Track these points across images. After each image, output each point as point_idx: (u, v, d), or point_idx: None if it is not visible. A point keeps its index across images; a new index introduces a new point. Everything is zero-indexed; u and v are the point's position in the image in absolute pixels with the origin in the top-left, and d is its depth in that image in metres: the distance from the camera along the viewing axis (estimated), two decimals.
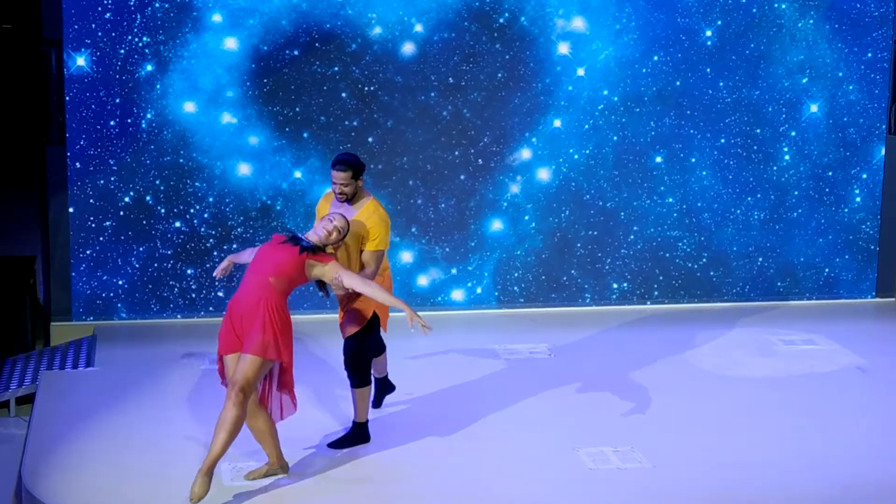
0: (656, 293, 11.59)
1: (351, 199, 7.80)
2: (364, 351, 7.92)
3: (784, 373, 9.71)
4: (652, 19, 11.19)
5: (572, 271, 11.44)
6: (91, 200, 10.62)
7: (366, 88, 10.91)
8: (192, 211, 10.77)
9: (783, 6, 11.36)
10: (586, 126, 11.25)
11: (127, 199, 10.67)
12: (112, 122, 10.56)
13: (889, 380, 9.57)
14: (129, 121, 10.58)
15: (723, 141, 11.48)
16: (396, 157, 11.04)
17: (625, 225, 11.44)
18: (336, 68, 10.84)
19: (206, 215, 10.80)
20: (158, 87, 10.57)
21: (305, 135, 10.87)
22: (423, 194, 11.07)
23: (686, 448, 8.08)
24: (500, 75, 11.08)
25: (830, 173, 11.71)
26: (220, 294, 10.86)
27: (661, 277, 11.57)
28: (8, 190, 14.49)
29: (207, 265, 10.80)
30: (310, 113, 10.85)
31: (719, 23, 11.30)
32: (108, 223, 10.68)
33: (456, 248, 11.24)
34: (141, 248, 10.74)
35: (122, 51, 10.49)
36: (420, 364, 9.63)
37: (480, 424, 8.45)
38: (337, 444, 7.98)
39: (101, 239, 10.67)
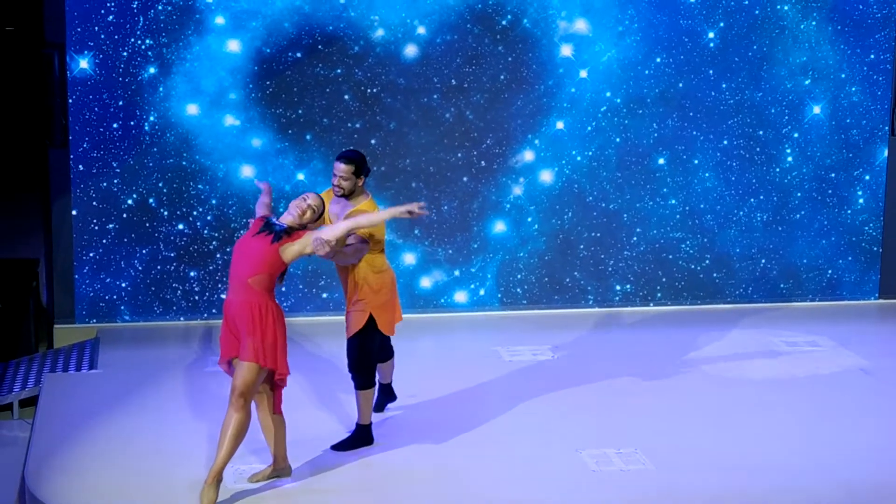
0: (659, 295, 11.58)
1: (349, 196, 7.82)
2: (367, 351, 7.90)
3: (787, 374, 9.70)
4: (654, 21, 11.19)
5: (575, 273, 11.44)
6: (94, 203, 10.62)
7: (368, 91, 10.91)
8: (194, 213, 10.78)
9: (786, 8, 11.36)
10: (589, 128, 11.25)
11: (130, 202, 10.67)
12: (115, 125, 10.56)
13: (892, 381, 9.56)
14: (131, 123, 10.58)
15: (725, 143, 11.48)
16: (399, 160, 11.04)
17: (628, 227, 11.44)
18: (339, 70, 10.84)
19: (208, 217, 10.80)
20: (161, 89, 10.58)
21: (308, 137, 10.87)
22: (426, 196, 11.06)
23: (689, 450, 8.07)
24: (502, 77, 11.08)
25: (833, 175, 11.70)
26: (223, 296, 10.85)
27: (664, 279, 11.57)
28: (11, 193, 14.50)
29: (210, 267, 10.81)
30: (312, 115, 10.85)
31: (722, 24, 11.29)
32: (111, 226, 10.68)
33: (459, 250, 11.24)
34: (144, 251, 10.74)
35: (125, 53, 10.50)
36: (423, 366, 9.63)
37: (483, 426, 8.45)
38: (340, 447, 7.98)
39: (104, 241, 10.67)
